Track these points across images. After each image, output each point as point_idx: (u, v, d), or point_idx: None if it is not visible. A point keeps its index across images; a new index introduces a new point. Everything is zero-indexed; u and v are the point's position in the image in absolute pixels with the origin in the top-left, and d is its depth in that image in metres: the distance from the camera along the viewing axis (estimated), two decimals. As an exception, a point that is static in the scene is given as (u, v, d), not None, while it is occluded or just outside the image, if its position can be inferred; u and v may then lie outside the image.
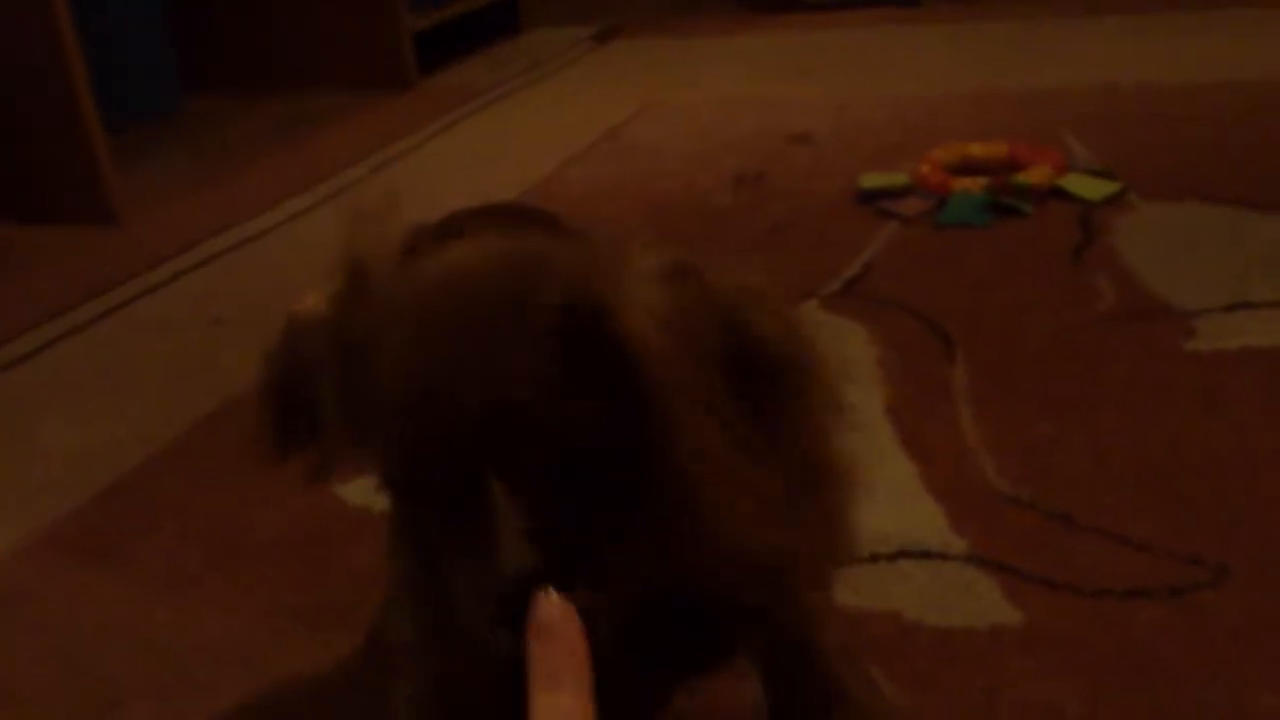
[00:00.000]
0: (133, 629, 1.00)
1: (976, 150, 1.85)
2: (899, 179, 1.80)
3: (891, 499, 1.09)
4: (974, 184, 1.73)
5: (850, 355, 1.35)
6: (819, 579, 0.75)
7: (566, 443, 0.60)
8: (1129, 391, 1.22)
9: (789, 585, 0.73)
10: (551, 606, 0.55)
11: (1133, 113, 2.08)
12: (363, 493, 1.16)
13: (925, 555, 1.00)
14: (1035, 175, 1.72)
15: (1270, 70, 2.23)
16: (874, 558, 1.00)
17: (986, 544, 1.01)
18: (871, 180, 1.81)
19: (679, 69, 2.85)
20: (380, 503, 1.12)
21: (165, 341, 1.61)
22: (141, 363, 1.56)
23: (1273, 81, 2.17)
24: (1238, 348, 1.27)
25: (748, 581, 0.69)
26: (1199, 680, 0.84)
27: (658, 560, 0.65)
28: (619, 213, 1.40)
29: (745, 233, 1.75)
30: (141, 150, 2.59)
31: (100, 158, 2.11)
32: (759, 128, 2.25)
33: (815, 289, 1.52)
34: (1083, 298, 1.42)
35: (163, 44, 2.82)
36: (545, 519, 0.59)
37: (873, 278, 1.54)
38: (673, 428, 0.62)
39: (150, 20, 2.74)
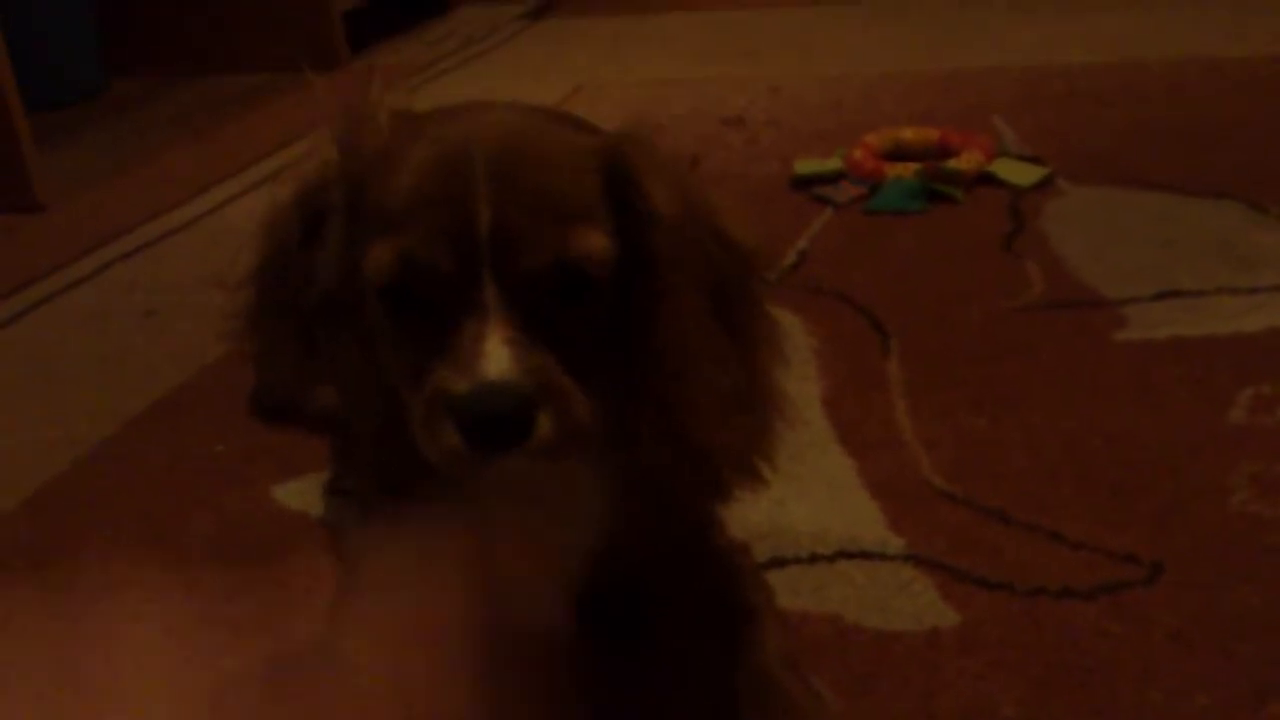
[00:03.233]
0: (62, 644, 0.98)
1: (909, 135, 1.86)
2: (832, 164, 1.81)
3: (830, 495, 1.10)
4: (906, 170, 1.74)
5: (787, 350, 1.35)
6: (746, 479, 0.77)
7: (570, 263, 0.63)
8: (1062, 383, 1.23)
9: (724, 484, 0.76)
10: None
11: (1061, 95, 2.10)
12: (300, 497, 1.15)
13: (864, 555, 1.01)
14: (966, 161, 1.73)
15: (1194, 48, 2.27)
16: (813, 558, 1.01)
17: (923, 542, 1.02)
18: (805, 166, 1.81)
19: (612, 48, 2.83)
20: (318, 507, 1.11)
21: (94, 336, 1.58)
22: (69, 359, 1.53)
23: (1197, 59, 2.20)
24: (1167, 337, 1.28)
25: (691, 474, 0.72)
26: (1134, 681, 0.86)
27: (616, 429, 0.68)
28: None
29: (681, 220, 1.74)
30: (65, 134, 2.53)
31: (22, 141, 2.06)
32: (692, 110, 2.25)
33: (751, 279, 1.52)
34: (1014, 286, 1.43)
35: (86, 24, 2.75)
36: (530, 336, 0.62)
37: (808, 266, 1.55)
38: (669, 293, 0.67)
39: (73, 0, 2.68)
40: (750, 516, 1.06)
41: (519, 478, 0.70)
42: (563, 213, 0.64)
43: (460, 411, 0.61)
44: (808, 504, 1.08)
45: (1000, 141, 1.85)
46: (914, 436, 1.17)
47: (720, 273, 0.71)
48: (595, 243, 0.64)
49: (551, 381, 0.63)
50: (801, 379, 1.28)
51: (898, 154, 1.83)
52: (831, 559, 1.01)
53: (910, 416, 1.20)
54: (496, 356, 0.61)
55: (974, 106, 2.06)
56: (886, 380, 1.27)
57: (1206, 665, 0.86)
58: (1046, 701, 0.85)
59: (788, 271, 1.53)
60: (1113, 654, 0.88)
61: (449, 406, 0.62)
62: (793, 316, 1.42)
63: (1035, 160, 1.77)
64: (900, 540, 1.03)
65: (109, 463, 1.25)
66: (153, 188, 2.14)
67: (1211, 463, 1.08)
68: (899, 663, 0.90)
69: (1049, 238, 1.55)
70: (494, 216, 0.62)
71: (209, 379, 1.41)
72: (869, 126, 1.92)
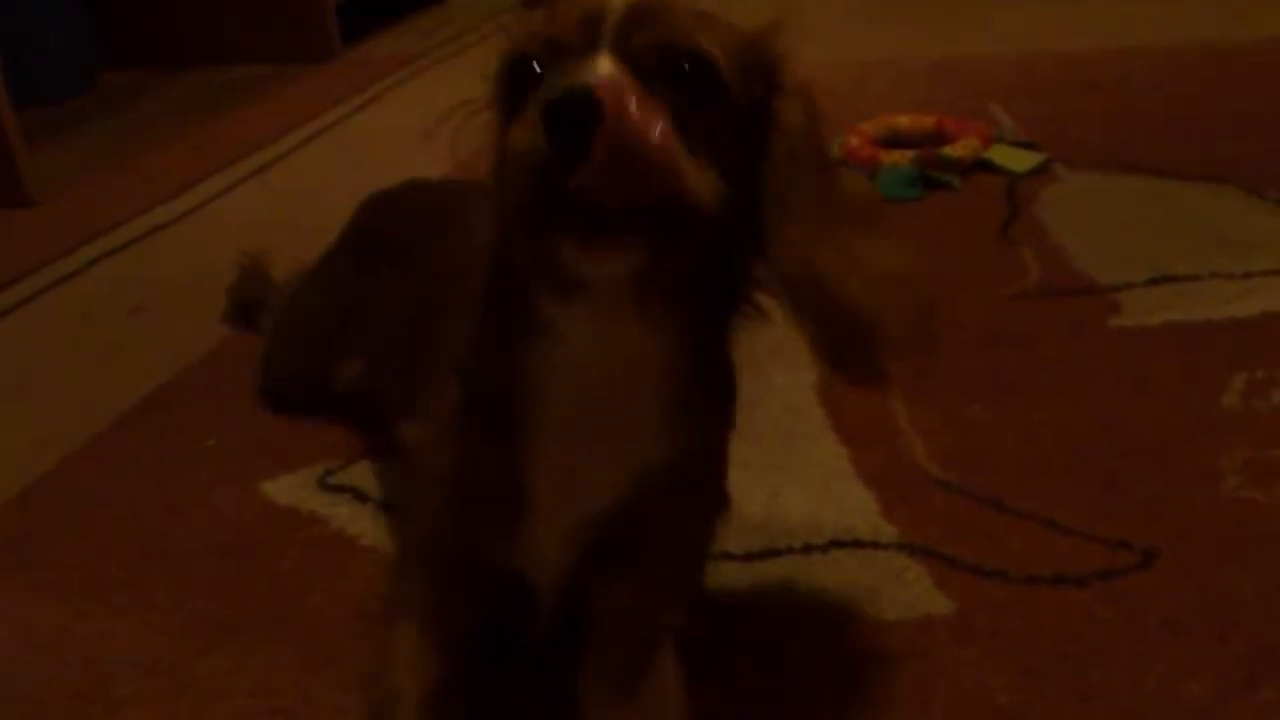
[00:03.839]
0: (52, 644, 0.97)
1: (905, 123, 1.85)
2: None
3: (824, 484, 1.09)
4: (902, 157, 1.73)
5: (780, 335, 1.35)
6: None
7: (690, 53, 0.65)
8: (1057, 370, 1.23)
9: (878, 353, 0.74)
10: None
11: (1057, 81, 2.10)
12: (291, 492, 1.14)
13: (857, 544, 1.01)
14: (962, 148, 1.72)
15: (1191, 33, 2.26)
16: (807, 548, 1.00)
17: (917, 531, 1.02)
18: (800, 154, 1.80)
19: (606, 37, 2.82)
20: (310, 502, 1.10)
21: (83, 332, 1.57)
22: (58, 355, 1.52)
23: (1194, 44, 2.19)
24: (1161, 323, 1.28)
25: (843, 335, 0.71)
26: (1128, 668, 0.85)
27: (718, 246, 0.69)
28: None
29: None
30: (55, 129, 2.52)
31: (11, 136, 2.05)
32: (687, 99, 2.23)
33: (745, 268, 1.52)
34: (1010, 274, 1.43)
35: (77, 17, 2.74)
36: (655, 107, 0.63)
37: (802, 255, 1.54)
38: (792, 175, 0.69)
39: (63, -8, 2.67)
40: (744, 507, 1.06)
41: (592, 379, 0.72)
42: (692, 27, 0.66)
43: (552, 104, 0.60)
44: (802, 494, 1.08)
45: (997, 128, 1.84)
46: (908, 425, 1.17)
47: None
48: (718, 49, 0.66)
49: (663, 124, 0.63)
50: (795, 367, 1.28)
51: (893, 141, 1.82)
52: (825, 549, 1.00)
53: (905, 405, 1.20)
54: (600, 64, 0.62)
55: (970, 93, 2.06)
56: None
57: (1199, 651, 0.86)
58: (1040, 689, 0.84)
59: (781, 260, 1.53)
60: (1106, 641, 0.88)
61: (543, 105, 0.61)
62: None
63: (1031, 146, 1.76)
64: (894, 529, 1.02)
65: (98, 459, 1.25)
66: (142, 183, 2.14)
67: (1205, 448, 1.07)
68: (893, 652, 0.89)
69: (1045, 224, 1.54)
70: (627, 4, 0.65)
71: (198, 375, 1.40)
72: (865, 114, 1.91)
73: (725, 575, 0.98)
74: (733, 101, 0.67)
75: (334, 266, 1.26)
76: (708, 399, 0.78)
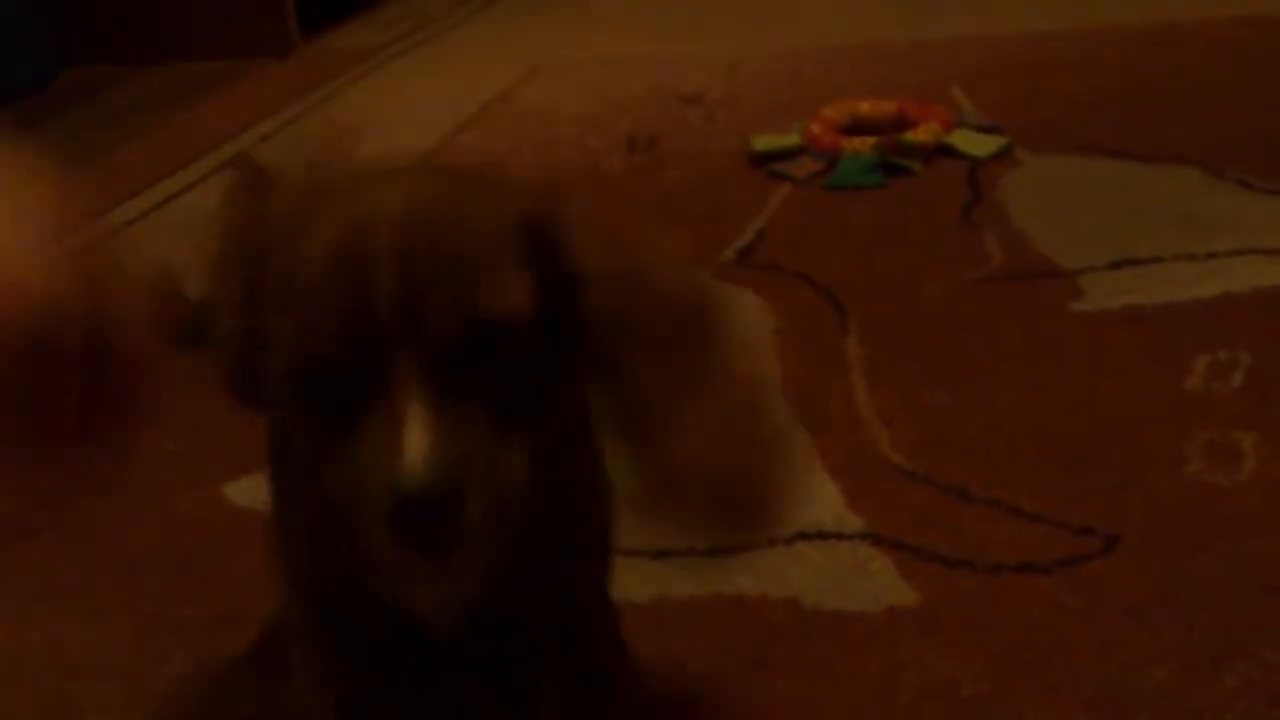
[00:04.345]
0: (6, 651, 0.96)
1: (866, 109, 1.85)
2: (790, 140, 1.79)
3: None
4: (863, 144, 1.72)
5: (744, 326, 1.34)
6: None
7: (481, 323, 0.58)
8: (1020, 355, 1.23)
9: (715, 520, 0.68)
10: None
11: (1020, 64, 2.09)
12: (252, 493, 1.13)
13: (821, 536, 1.00)
14: (924, 133, 1.72)
15: (1151, 13, 2.26)
16: (771, 541, 1.00)
17: (882, 521, 1.01)
18: (763, 142, 1.80)
19: (568, 26, 2.81)
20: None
21: (42, 335, 1.55)
22: (17, 359, 1.50)
23: (1154, 24, 2.20)
24: (1123, 306, 1.28)
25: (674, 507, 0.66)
26: (1092, 655, 0.85)
27: (539, 505, 0.62)
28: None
29: (638, 200, 1.73)
30: (14, 127, 2.49)
31: (-32, 137, 2.02)
32: (651, 87, 2.23)
33: (710, 258, 1.51)
34: (972, 259, 1.42)
35: (35, 14, 2.71)
36: (450, 406, 0.58)
37: (766, 245, 1.53)
38: (608, 352, 0.62)
39: (21, -10, 2.64)
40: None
41: None
42: (470, 275, 0.59)
43: (383, 517, 0.57)
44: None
45: (958, 112, 1.84)
46: (873, 414, 1.16)
47: (667, 324, 0.64)
48: (507, 298, 0.59)
49: (477, 462, 0.58)
50: (759, 360, 1.27)
51: (855, 127, 1.81)
52: (790, 541, 1.00)
53: (869, 394, 1.19)
54: (416, 449, 0.56)
55: (933, 77, 2.05)
56: (845, 358, 1.26)
57: (1163, 637, 0.86)
58: (1005, 680, 0.84)
59: (745, 251, 1.52)
60: (1070, 629, 0.88)
61: (371, 512, 0.57)
62: (751, 296, 1.41)
63: (993, 130, 1.76)
64: (859, 519, 1.02)
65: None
66: (103, 181, 2.11)
67: (1168, 432, 1.07)
68: (858, 643, 0.89)
69: (1007, 208, 1.54)
70: (397, 290, 0.57)
71: (160, 375, 1.38)
72: (826, 100, 1.90)
73: (690, 568, 0.98)
74: (529, 336, 0.60)
75: None
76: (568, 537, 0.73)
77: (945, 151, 1.72)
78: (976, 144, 1.71)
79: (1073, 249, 1.40)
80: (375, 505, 0.57)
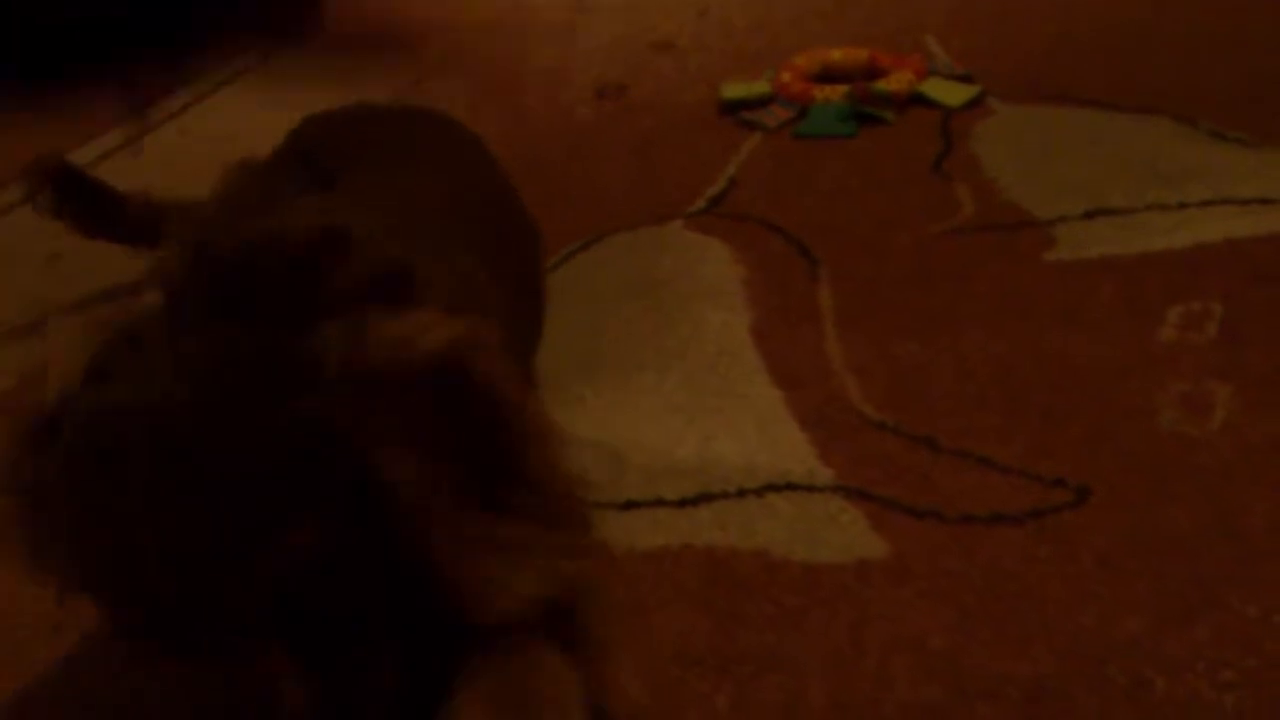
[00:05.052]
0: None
1: (837, 57, 1.82)
2: (760, 88, 1.77)
3: (758, 428, 1.07)
4: (835, 93, 1.70)
5: (714, 276, 1.33)
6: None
7: (284, 580, 0.54)
8: (992, 306, 1.22)
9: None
10: None
11: (993, 12, 2.07)
12: None
13: (791, 487, 0.99)
14: (896, 82, 1.70)
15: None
16: (741, 493, 0.99)
17: (852, 473, 1.00)
18: (732, 90, 1.77)
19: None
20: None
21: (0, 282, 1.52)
22: (-31, 310, 1.47)
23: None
24: (1098, 256, 1.27)
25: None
26: (1064, 606, 0.84)
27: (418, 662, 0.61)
28: (481, 133, 1.36)
29: (609, 151, 1.71)
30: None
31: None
32: (620, 36, 2.20)
33: (679, 208, 1.49)
34: (944, 209, 1.41)
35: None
36: (313, 660, 0.55)
37: (736, 194, 1.51)
38: (417, 522, 0.57)
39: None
40: (677, 452, 1.04)
41: None
42: (252, 529, 0.53)
43: None
44: (735, 438, 1.06)
45: (931, 61, 1.81)
46: (844, 365, 1.15)
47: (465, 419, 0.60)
48: (302, 548, 0.54)
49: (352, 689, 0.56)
50: (729, 310, 1.26)
51: (826, 76, 1.79)
52: (760, 493, 0.99)
53: (840, 345, 1.18)
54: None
55: (905, 25, 2.02)
56: (816, 308, 1.25)
57: (1135, 588, 0.85)
58: (975, 630, 0.84)
59: (715, 200, 1.50)
60: (1041, 580, 0.87)
61: None
62: (721, 245, 1.39)
63: (966, 79, 1.74)
64: (829, 471, 1.01)
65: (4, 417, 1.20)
66: (64, 122, 2.06)
67: (1141, 382, 1.06)
68: (827, 595, 0.88)
69: (979, 158, 1.53)
70: (178, 575, 0.53)
71: (119, 325, 1.35)
72: (798, 48, 1.88)
73: (659, 520, 0.97)
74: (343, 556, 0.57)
75: (267, 188, 1.18)
76: None
77: (918, 100, 1.70)
78: (949, 93, 1.69)
79: (1045, 199, 1.39)
80: None
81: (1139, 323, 1.15)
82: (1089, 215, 1.34)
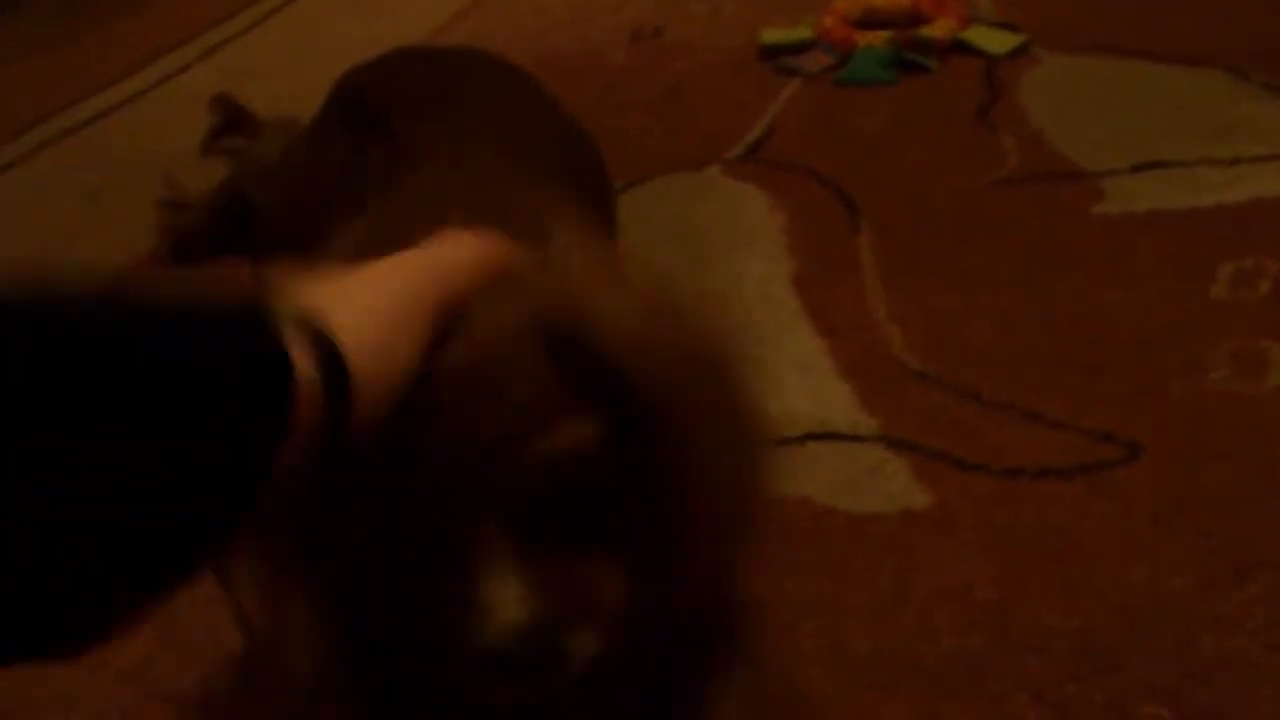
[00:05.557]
0: None
1: (880, 2, 1.79)
2: (801, 33, 1.74)
3: (800, 377, 1.06)
4: (877, 38, 1.67)
5: (754, 224, 1.31)
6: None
7: (565, 474, 0.56)
8: (1036, 258, 1.20)
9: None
10: None
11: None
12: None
13: (834, 436, 0.98)
14: (939, 28, 1.67)
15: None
16: (783, 441, 0.98)
17: (896, 423, 0.99)
18: (772, 35, 1.75)
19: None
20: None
21: (40, 218, 1.51)
22: (15, 241, 1.46)
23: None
24: (1146, 210, 1.24)
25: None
26: (1112, 561, 0.84)
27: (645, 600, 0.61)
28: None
29: (643, 94, 1.68)
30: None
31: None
32: (655, -24, 2.16)
33: (717, 154, 1.47)
34: (989, 159, 1.38)
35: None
36: (542, 562, 0.56)
37: (775, 140, 1.49)
38: (671, 436, 0.58)
39: None
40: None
41: None
42: (519, 430, 0.56)
43: (484, 674, 0.56)
44: (778, 386, 1.05)
45: (975, 8, 1.78)
46: (886, 315, 1.14)
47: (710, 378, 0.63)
48: (568, 435, 0.57)
49: (571, 600, 0.57)
50: (769, 259, 1.24)
51: (868, 21, 1.76)
52: (801, 441, 0.98)
53: (882, 294, 1.17)
54: (509, 602, 0.55)
55: (947, -27, 1.99)
56: (857, 258, 1.23)
57: (1185, 546, 0.84)
58: (1022, 583, 0.83)
59: (754, 146, 1.48)
60: (1089, 535, 0.86)
61: (470, 669, 0.56)
62: (759, 193, 1.37)
63: (1010, 27, 1.71)
64: (873, 421, 1.00)
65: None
66: (90, 63, 2.05)
67: (1191, 339, 1.05)
68: (872, 544, 0.88)
69: (1025, 108, 1.50)
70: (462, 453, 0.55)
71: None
72: (839, -7, 1.85)
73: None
74: (603, 458, 0.58)
75: (323, 141, 1.17)
76: None
77: (961, 48, 1.67)
78: (993, 40, 1.66)
79: (1094, 151, 1.36)
80: (471, 653, 0.55)
81: (1189, 279, 1.13)
82: (1138, 168, 1.32)
